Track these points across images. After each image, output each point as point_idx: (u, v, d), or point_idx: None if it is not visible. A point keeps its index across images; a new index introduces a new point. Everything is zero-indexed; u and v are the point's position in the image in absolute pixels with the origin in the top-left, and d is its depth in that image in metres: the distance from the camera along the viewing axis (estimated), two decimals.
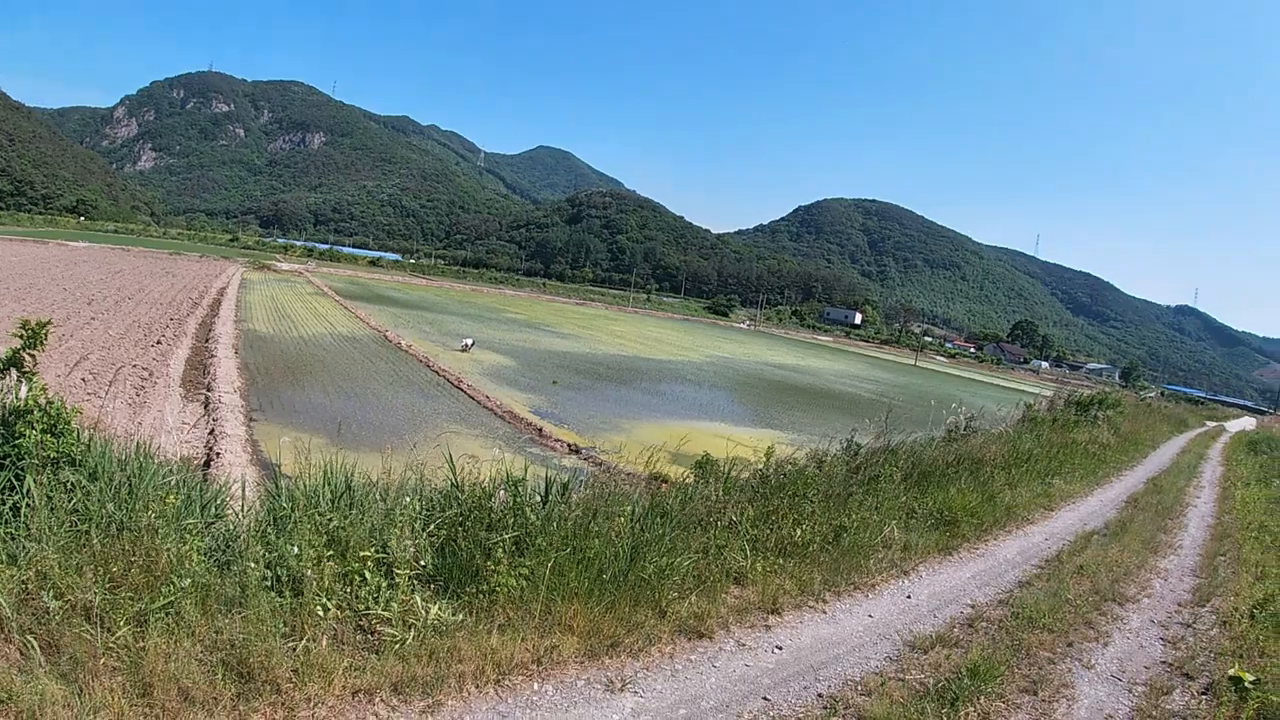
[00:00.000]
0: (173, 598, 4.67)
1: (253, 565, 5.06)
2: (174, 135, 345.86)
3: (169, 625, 4.58)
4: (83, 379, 17.21)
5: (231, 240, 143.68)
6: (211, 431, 15.01)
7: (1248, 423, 66.64)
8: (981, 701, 5.73)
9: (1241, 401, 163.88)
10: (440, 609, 5.40)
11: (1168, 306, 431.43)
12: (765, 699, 5.53)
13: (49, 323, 5.67)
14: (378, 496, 6.25)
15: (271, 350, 27.87)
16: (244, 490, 6.60)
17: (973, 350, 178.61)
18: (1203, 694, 6.54)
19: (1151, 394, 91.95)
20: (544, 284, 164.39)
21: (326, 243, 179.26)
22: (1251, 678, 6.35)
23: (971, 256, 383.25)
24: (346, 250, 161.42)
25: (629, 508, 6.95)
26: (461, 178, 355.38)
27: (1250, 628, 7.94)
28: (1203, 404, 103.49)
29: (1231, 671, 6.55)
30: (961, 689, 5.76)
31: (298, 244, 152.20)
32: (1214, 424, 55.45)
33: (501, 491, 6.41)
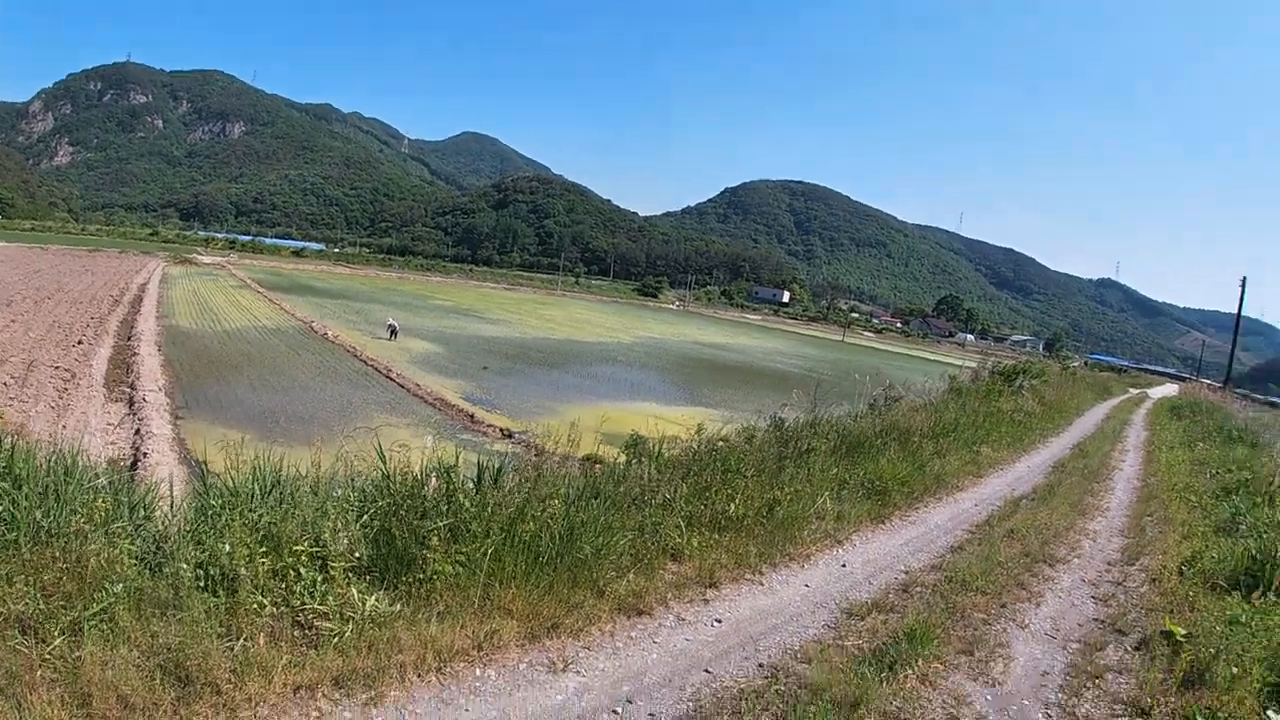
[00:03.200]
0: (106, 604, 4.54)
1: (185, 566, 4.93)
2: (91, 129, 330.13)
3: (104, 632, 4.46)
4: (3, 383, 16.68)
5: (151, 234, 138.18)
6: (137, 431, 14.73)
7: (1170, 389, 68.23)
8: (920, 664, 5.84)
9: (1164, 369, 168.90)
10: (377, 600, 5.33)
11: (1090, 280, 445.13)
12: (707, 671, 5.58)
13: None
14: (309, 489, 6.10)
15: (195, 346, 27.24)
16: (172, 489, 6.36)
17: (899, 325, 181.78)
18: (1136, 649, 6.69)
19: (1076, 363, 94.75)
20: (471, 270, 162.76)
21: (249, 234, 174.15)
22: (1183, 631, 6.61)
23: (897, 235, 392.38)
24: (269, 241, 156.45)
25: (563, 489, 6.96)
26: (385, 165, 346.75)
27: (1180, 584, 8.17)
28: (1126, 372, 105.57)
29: (1164, 626, 6.85)
30: (899, 652, 5.87)
31: (219, 236, 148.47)
32: (1137, 391, 57.07)
33: (434, 479, 6.35)
